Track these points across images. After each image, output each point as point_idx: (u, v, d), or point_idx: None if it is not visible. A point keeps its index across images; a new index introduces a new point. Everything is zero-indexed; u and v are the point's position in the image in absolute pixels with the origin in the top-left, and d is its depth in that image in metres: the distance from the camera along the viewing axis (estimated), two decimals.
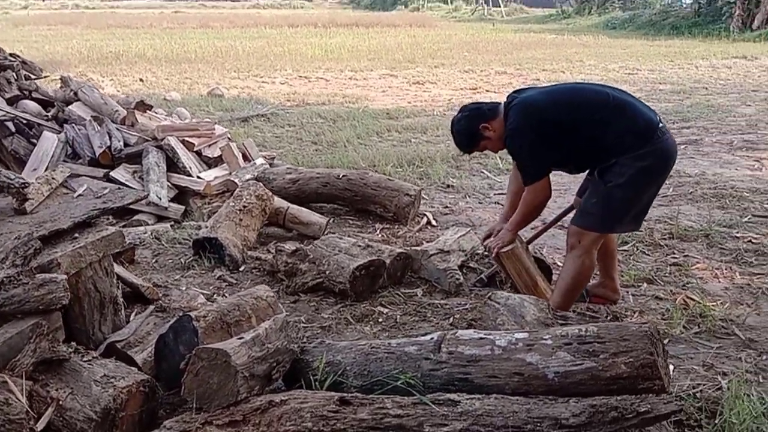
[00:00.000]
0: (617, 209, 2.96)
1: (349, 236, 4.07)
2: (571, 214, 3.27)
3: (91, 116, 5.56)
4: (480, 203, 5.24)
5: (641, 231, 4.30)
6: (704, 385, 2.56)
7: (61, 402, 2.16)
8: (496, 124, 3.07)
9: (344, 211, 4.98)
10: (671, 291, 3.47)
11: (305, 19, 29.88)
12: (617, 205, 2.94)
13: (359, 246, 3.69)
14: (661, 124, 2.94)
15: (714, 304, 3.27)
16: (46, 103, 6.20)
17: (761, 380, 2.61)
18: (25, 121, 5.62)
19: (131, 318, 2.98)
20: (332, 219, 4.67)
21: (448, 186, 5.68)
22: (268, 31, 24.51)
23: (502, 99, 3.24)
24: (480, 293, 3.46)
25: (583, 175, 3.29)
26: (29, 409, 1.98)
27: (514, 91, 3.18)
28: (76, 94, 6.06)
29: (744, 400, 2.35)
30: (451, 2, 39.49)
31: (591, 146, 2.97)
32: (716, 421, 2.30)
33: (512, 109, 3.03)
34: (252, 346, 2.21)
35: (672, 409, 1.90)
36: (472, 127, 3.11)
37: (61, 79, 6.54)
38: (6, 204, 3.07)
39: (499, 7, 35.57)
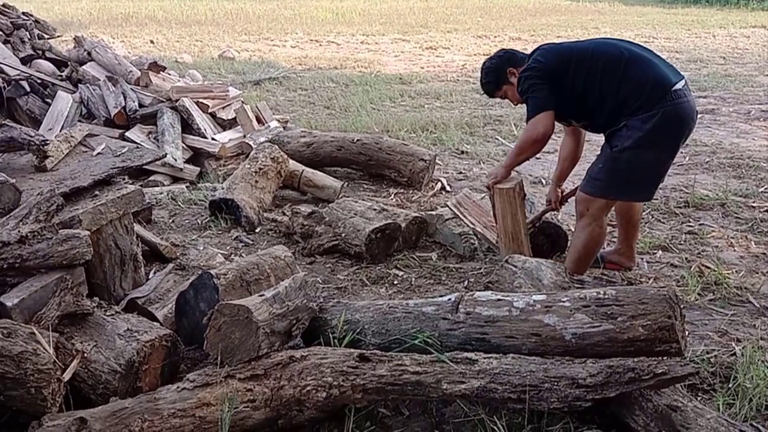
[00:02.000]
0: (623, 175, 2.88)
1: (363, 200, 4.08)
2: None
3: (106, 76, 5.55)
4: None
5: (656, 199, 4.30)
6: (718, 350, 2.58)
7: (86, 354, 2.20)
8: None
9: (358, 176, 4.98)
10: (686, 259, 3.47)
11: None
12: (623, 170, 2.86)
13: (374, 210, 3.70)
14: (677, 87, 2.82)
15: (729, 272, 3.27)
16: (59, 63, 6.18)
17: None
18: (39, 81, 5.61)
19: (151, 275, 3.02)
20: (346, 183, 4.68)
21: (462, 152, 5.66)
22: None
23: None
24: (494, 258, 3.48)
25: None
26: (56, 360, 2.02)
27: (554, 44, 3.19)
28: (89, 54, 6.04)
29: (758, 365, 2.37)
30: None
31: (601, 101, 2.89)
32: (730, 386, 2.33)
33: (533, 53, 3.07)
34: (273, 303, 2.24)
35: (689, 371, 1.91)
36: (500, 68, 3.15)
37: (74, 39, 6.51)
38: (26, 161, 3.10)
39: None
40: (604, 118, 2.94)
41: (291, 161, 4.51)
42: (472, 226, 3.46)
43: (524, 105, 3.08)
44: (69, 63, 6.10)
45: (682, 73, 2.98)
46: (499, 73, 3.16)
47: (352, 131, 5.80)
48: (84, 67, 5.90)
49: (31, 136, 2.98)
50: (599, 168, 2.95)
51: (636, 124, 2.81)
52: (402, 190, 4.67)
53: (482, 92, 3.36)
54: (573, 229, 3.79)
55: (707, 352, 2.56)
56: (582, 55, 2.95)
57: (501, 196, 3.09)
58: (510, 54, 3.19)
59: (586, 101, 2.95)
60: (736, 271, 3.30)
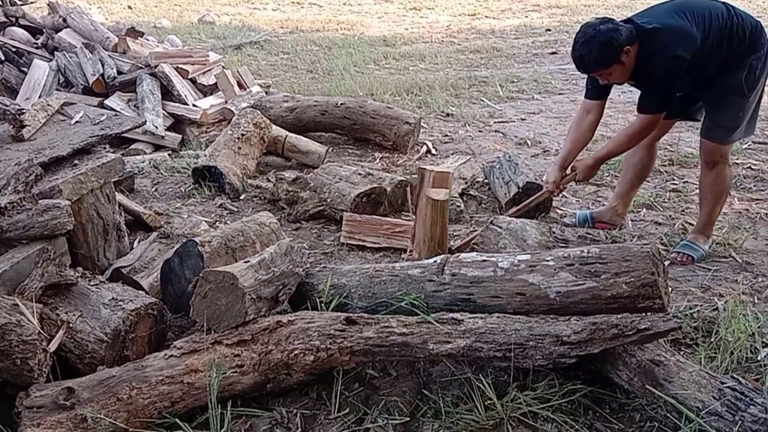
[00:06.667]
0: (753, 116, 2.99)
1: (348, 165, 4.05)
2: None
3: (82, 43, 5.43)
4: (480, 131, 5.20)
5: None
6: (701, 305, 2.62)
7: (71, 324, 2.20)
8: (635, 50, 2.77)
9: (343, 140, 4.94)
10: (670, 216, 3.50)
11: None
12: (754, 112, 2.98)
13: (360, 174, 3.68)
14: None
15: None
16: (34, 31, 6.04)
17: (756, 301, 2.66)
18: (14, 49, 5.49)
19: (135, 244, 3.00)
20: (331, 148, 4.64)
21: (448, 114, 5.62)
22: None
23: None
24: (480, 219, 3.48)
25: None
26: (41, 331, 2.01)
27: (636, 15, 2.93)
28: (65, 20, 5.90)
29: (739, 319, 2.41)
30: None
31: (718, 63, 2.85)
32: (711, 340, 2.37)
33: (661, 33, 2.75)
34: (258, 270, 2.24)
35: (671, 327, 1.93)
36: (618, 45, 2.73)
37: (48, 5, 6.34)
38: (3, 131, 3.03)
39: None
40: (729, 62, 2.86)
41: (274, 127, 4.45)
42: (377, 245, 3.22)
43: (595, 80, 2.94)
44: (44, 30, 5.96)
45: None
46: (615, 50, 2.73)
47: (335, 95, 5.73)
48: (59, 34, 5.77)
49: (6, 105, 2.91)
50: (739, 116, 2.93)
51: (757, 64, 2.86)
52: (387, 154, 4.64)
53: (578, 68, 2.87)
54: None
55: (690, 308, 2.60)
56: (709, 30, 2.78)
57: (434, 207, 2.74)
58: (623, 29, 2.76)
59: (705, 69, 2.85)
60: (719, 228, 3.33)
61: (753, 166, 4.17)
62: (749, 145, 4.55)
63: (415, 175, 3.95)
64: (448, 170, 2.88)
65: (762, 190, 3.82)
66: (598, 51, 2.73)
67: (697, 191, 3.80)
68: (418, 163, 4.48)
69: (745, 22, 2.87)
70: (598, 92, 3.04)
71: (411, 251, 2.94)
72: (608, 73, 2.82)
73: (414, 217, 2.88)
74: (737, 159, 4.28)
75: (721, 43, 2.82)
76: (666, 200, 3.71)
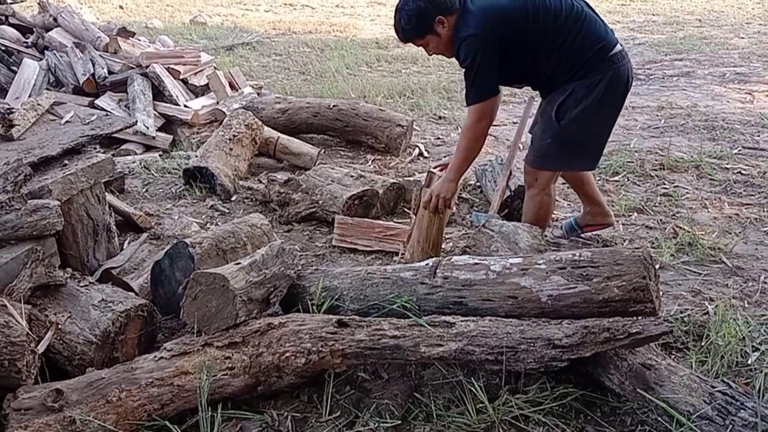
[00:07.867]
0: (573, 146, 2.80)
1: (340, 167, 4.04)
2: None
3: (73, 42, 5.39)
4: None
5: (632, 162, 4.33)
6: (691, 310, 2.63)
7: (60, 326, 2.18)
8: (451, 22, 2.65)
9: (335, 142, 4.94)
10: (661, 220, 3.51)
11: None
12: (572, 141, 2.78)
13: (352, 176, 3.67)
14: (617, 49, 2.71)
15: (703, 233, 3.32)
16: (24, 30, 6.00)
17: (746, 305, 2.67)
18: (3, 48, 5.44)
19: (125, 245, 2.98)
20: (323, 150, 4.63)
21: (440, 117, 5.63)
22: None
23: None
24: (471, 222, 3.48)
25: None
26: (29, 332, 1.99)
27: None
28: (55, 19, 5.86)
29: (730, 323, 2.42)
30: None
31: (546, 61, 2.70)
32: (702, 344, 2.37)
33: (471, 13, 2.62)
34: (249, 272, 2.22)
35: (663, 330, 1.94)
36: (427, 15, 2.63)
37: (39, 4, 6.30)
38: None
39: None
40: (548, 79, 2.77)
41: (266, 128, 4.44)
42: (369, 248, 3.21)
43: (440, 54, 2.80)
44: (34, 29, 5.92)
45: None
46: (425, 19, 2.64)
47: (328, 97, 5.72)
48: (50, 33, 5.73)
49: None
50: (548, 143, 2.80)
51: (582, 91, 2.68)
52: (379, 157, 4.64)
53: (398, 37, 2.79)
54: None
55: (681, 312, 2.60)
56: (532, 12, 2.62)
57: (433, 212, 2.76)
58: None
59: (532, 62, 2.72)
60: (709, 232, 3.35)
61: (743, 171, 4.19)
62: (739, 151, 4.58)
63: (408, 178, 3.98)
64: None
65: (752, 195, 3.85)
66: (407, 21, 2.66)
67: (688, 195, 3.85)
68: (410, 165, 4.48)
69: (590, 31, 2.67)
70: None
71: (403, 254, 2.94)
72: (425, 43, 2.74)
73: (414, 218, 2.88)
74: (727, 164, 4.31)
75: (549, 26, 2.62)
76: (657, 204, 3.72)
